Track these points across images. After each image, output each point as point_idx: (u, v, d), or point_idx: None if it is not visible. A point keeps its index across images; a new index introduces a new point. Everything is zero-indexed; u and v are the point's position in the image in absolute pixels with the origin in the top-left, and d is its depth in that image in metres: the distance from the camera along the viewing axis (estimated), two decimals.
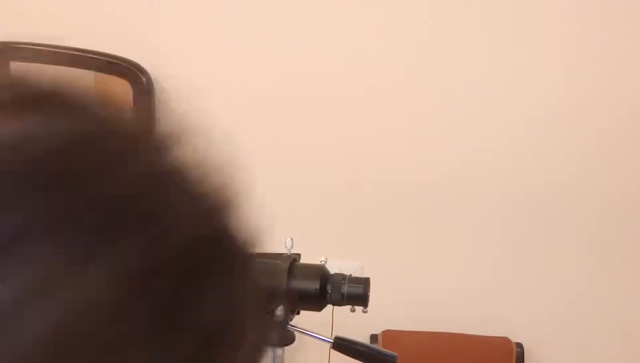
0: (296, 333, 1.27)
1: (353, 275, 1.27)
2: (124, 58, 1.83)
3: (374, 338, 1.92)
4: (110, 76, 1.86)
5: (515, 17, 1.82)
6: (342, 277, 1.25)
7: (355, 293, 1.24)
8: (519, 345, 1.92)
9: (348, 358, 1.28)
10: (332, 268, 1.27)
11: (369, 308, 1.24)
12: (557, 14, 1.81)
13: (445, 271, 1.96)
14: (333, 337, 1.27)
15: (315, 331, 1.27)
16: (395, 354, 1.26)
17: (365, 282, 1.25)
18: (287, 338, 1.26)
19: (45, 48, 1.84)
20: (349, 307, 1.25)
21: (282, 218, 2.06)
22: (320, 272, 1.24)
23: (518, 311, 1.96)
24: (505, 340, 1.93)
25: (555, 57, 1.84)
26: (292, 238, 1.29)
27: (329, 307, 1.26)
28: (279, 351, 1.29)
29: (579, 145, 1.87)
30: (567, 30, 1.83)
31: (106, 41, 1.84)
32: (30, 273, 0.25)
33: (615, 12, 1.81)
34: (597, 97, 1.85)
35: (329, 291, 1.23)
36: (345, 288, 1.23)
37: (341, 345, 1.27)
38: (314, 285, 1.22)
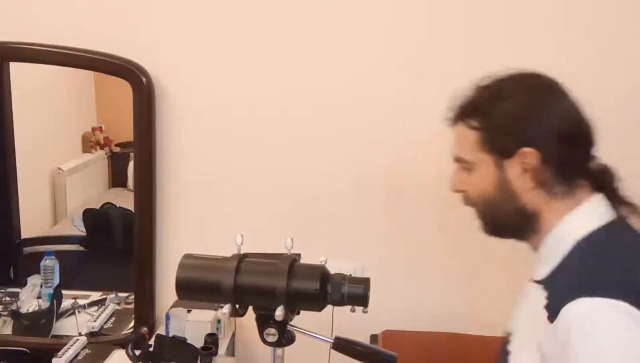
0: (296, 333, 1.27)
1: (353, 275, 1.27)
2: (124, 58, 1.83)
3: (374, 338, 1.91)
4: (110, 76, 1.86)
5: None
6: (342, 277, 1.25)
7: (355, 293, 1.23)
8: None
9: (348, 358, 1.28)
10: (332, 268, 1.27)
11: (369, 308, 1.24)
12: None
13: (446, 271, 1.96)
14: (333, 337, 1.27)
15: (315, 331, 1.27)
16: (395, 354, 1.26)
17: (365, 282, 1.25)
18: (287, 338, 1.26)
19: (45, 48, 1.84)
20: (349, 307, 1.25)
21: (282, 219, 2.06)
22: (320, 272, 1.24)
23: None
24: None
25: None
26: (292, 238, 1.29)
27: (329, 307, 1.26)
28: (279, 351, 1.29)
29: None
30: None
31: (106, 41, 1.84)
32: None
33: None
34: None
35: (329, 291, 1.23)
36: (345, 289, 1.23)
37: (341, 345, 1.27)
38: (314, 285, 1.22)
